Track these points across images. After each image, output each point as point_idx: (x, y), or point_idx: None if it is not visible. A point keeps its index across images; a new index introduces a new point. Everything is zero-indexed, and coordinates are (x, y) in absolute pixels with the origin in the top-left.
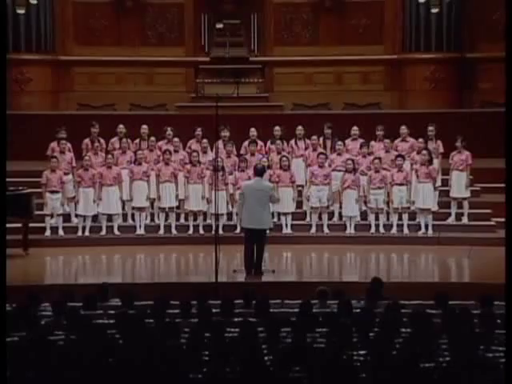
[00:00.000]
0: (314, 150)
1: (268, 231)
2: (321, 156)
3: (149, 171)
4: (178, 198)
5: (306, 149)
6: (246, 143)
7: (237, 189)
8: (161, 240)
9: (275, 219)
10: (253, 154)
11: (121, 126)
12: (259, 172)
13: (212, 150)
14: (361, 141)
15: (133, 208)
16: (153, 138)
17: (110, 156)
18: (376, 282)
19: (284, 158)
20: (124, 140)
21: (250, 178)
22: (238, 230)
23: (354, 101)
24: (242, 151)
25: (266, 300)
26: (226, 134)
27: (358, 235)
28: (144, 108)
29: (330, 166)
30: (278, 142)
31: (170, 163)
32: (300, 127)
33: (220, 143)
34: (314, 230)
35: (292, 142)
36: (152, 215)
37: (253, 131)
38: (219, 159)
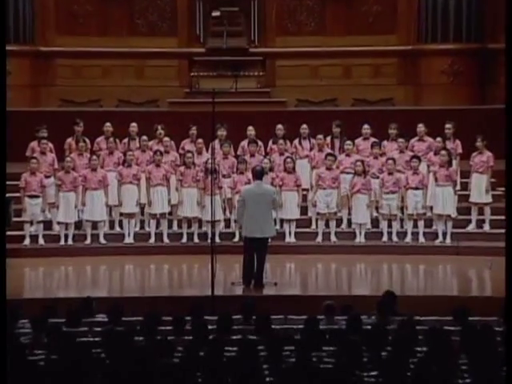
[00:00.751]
0: (320, 150)
1: (270, 240)
2: (329, 157)
3: (139, 174)
4: (170, 203)
5: (311, 149)
6: (244, 143)
7: (235, 193)
8: (151, 249)
9: (277, 226)
10: (252, 155)
11: (107, 124)
12: (258, 174)
13: (208, 150)
14: (372, 140)
15: (121, 214)
16: (145, 138)
17: (94, 157)
18: (389, 295)
19: (288, 160)
20: (111, 139)
21: (249, 182)
22: (236, 239)
23: (364, 96)
24: (240, 152)
25: (268, 315)
26: (222, 132)
27: (368, 244)
28: (133, 104)
29: (338, 167)
30: (281, 141)
31: (161, 165)
32: (304, 126)
33: (216, 143)
34: (320, 238)
35: (296, 141)
36: (142, 222)
37: (251, 130)
38: (214, 160)
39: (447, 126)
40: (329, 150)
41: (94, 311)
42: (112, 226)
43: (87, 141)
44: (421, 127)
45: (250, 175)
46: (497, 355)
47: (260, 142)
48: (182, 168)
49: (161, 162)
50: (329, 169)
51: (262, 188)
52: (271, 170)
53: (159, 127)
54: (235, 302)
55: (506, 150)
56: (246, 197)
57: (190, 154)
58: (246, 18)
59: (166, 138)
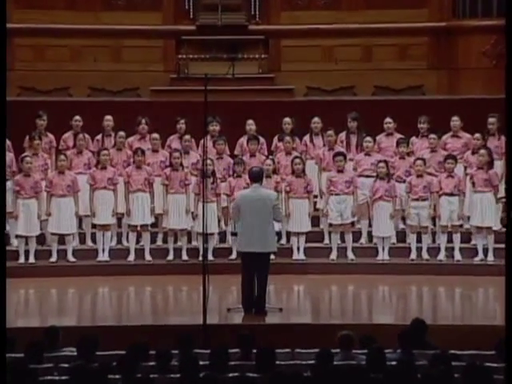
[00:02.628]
0: (331, 148)
1: (273, 256)
2: (337, 157)
3: (116, 177)
4: (153, 212)
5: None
6: (243, 140)
7: (232, 200)
8: (131, 269)
9: (283, 241)
10: (253, 155)
11: (77, 117)
12: (256, 176)
13: (198, 148)
14: (397, 137)
15: (94, 226)
16: (122, 133)
17: (62, 157)
18: (418, 324)
19: (297, 160)
20: (81, 136)
21: (249, 187)
22: (233, 256)
23: (387, 83)
24: (238, 151)
25: (271, 349)
26: (215, 127)
27: (393, 262)
28: (108, 93)
29: (355, 169)
30: (288, 138)
31: (143, 166)
32: (317, 119)
33: (209, 140)
34: (334, 254)
35: (306, 138)
36: (119, 235)
37: (251, 124)
38: (208, 161)
39: (490, 119)
40: (340, 149)
41: (60, 344)
42: (83, 241)
43: (50, 137)
44: (456, 121)
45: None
46: None
47: (262, 139)
48: (167, 170)
49: (142, 163)
50: (340, 171)
51: (259, 192)
52: (275, 172)
53: (143, 120)
54: (232, 332)
55: (506, 150)
56: (240, 204)
57: (177, 154)
58: None
59: (155, 135)
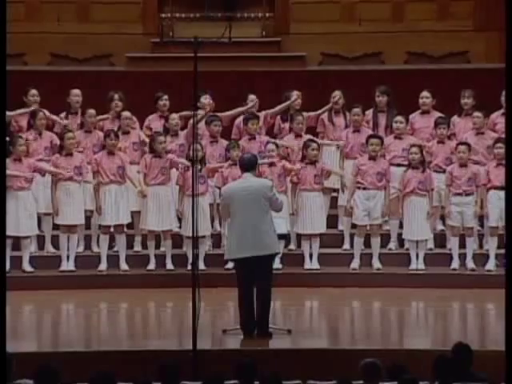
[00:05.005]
0: (357, 130)
1: (279, 264)
2: (372, 140)
3: (84, 166)
4: (130, 209)
5: (346, 127)
6: (239, 120)
7: None
8: (102, 280)
9: (292, 245)
10: (252, 137)
11: (33, 91)
12: (247, 164)
13: (184, 131)
14: (436, 115)
15: (56, 227)
16: (92, 111)
17: (21, 141)
18: (461, 350)
19: (312, 144)
20: (41, 114)
21: None
22: (230, 264)
23: (423, 49)
24: (235, 133)
25: (278, 379)
26: (207, 103)
27: (430, 272)
28: (74, 61)
29: (384, 156)
30: (300, 118)
31: (116, 153)
32: (337, 93)
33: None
34: (356, 263)
35: (324, 117)
36: (88, 239)
37: (252, 100)
38: (198, 146)
39: None
40: (369, 130)
41: (14, 374)
42: (42, 245)
43: (47, 113)
44: None
45: None
46: None
47: (262, 115)
48: (147, 157)
49: (116, 148)
50: (373, 158)
51: (251, 184)
52: (285, 158)
53: (116, 96)
54: (229, 359)
55: (506, 150)
56: (228, 198)
57: (161, 138)
58: None
59: (126, 113)
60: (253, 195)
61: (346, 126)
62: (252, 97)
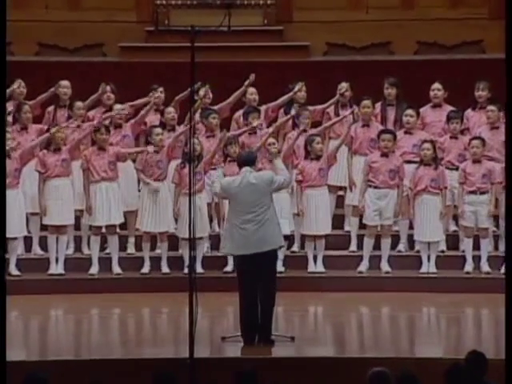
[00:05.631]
0: (366, 124)
1: (281, 267)
2: (384, 136)
3: (70, 161)
4: (123, 209)
5: (354, 122)
6: (239, 114)
7: None
8: (93, 284)
9: (296, 247)
10: (253, 131)
11: (18, 81)
12: (245, 160)
13: (181, 126)
14: (448, 109)
15: (44, 227)
16: (80, 104)
17: (9, 135)
18: (475, 359)
19: (316, 138)
20: (26, 108)
21: None
22: (229, 267)
23: (435, 38)
24: (234, 128)
25: None
26: (204, 95)
27: (442, 276)
28: (64, 51)
29: (393, 152)
30: (306, 113)
31: (107, 148)
32: (344, 85)
33: (197, 113)
34: (365, 266)
35: (330, 110)
36: (78, 240)
37: (252, 93)
38: (195, 141)
39: None
40: (378, 125)
41: None
42: (29, 247)
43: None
44: None
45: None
46: None
47: (263, 109)
48: (142, 152)
49: (106, 143)
50: (385, 155)
51: (250, 178)
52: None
53: (108, 88)
54: (228, 368)
55: (506, 150)
56: (227, 193)
57: (158, 130)
58: None
59: (120, 106)
60: (255, 189)
61: (354, 121)
62: (252, 89)
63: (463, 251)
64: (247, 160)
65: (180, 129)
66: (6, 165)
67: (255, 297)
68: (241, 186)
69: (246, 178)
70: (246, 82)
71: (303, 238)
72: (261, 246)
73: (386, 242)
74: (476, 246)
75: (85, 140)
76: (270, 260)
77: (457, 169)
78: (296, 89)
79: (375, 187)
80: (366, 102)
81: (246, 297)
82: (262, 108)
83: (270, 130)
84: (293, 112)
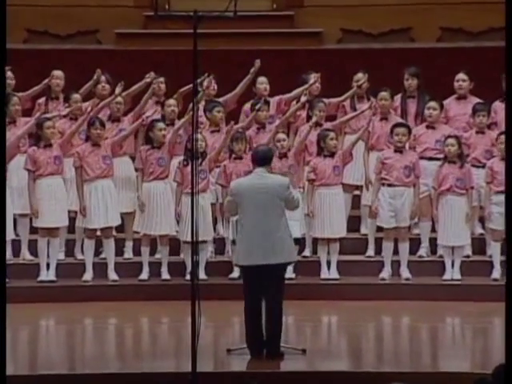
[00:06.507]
0: (384, 118)
1: (291, 273)
2: (397, 129)
3: (63, 158)
4: (120, 210)
5: (373, 115)
6: (248, 106)
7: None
8: (88, 292)
9: (307, 251)
10: (261, 126)
11: (7, 72)
12: (262, 158)
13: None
14: (474, 101)
15: (34, 230)
16: (76, 96)
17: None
18: (503, 373)
19: (329, 134)
20: (15, 100)
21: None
22: (235, 274)
23: (459, 24)
24: (242, 121)
25: None
26: (208, 86)
27: (467, 283)
28: (54, 38)
29: (414, 148)
30: (321, 105)
31: (102, 144)
32: (361, 75)
33: (200, 106)
34: (387, 272)
35: (346, 103)
36: (70, 244)
37: (262, 83)
38: (199, 136)
39: None
40: (398, 119)
41: None
42: (17, 252)
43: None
44: None
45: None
46: None
47: (274, 101)
48: (142, 149)
49: (102, 139)
50: (399, 151)
51: (265, 181)
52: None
53: (104, 78)
54: (233, 383)
55: (506, 151)
56: (238, 196)
57: (160, 125)
58: None
59: (118, 98)
60: (267, 195)
61: (374, 115)
62: (261, 79)
63: (490, 256)
64: (263, 158)
65: (180, 121)
66: (5, 165)
67: (261, 308)
68: (251, 186)
69: (261, 180)
70: (252, 70)
71: (315, 241)
72: (267, 258)
73: (403, 246)
74: (504, 251)
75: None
76: (278, 273)
77: (483, 166)
78: (312, 81)
79: (389, 185)
80: (384, 94)
81: (251, 307)
82: (273, 100)
83: (279, 122)
84: (303, 99)
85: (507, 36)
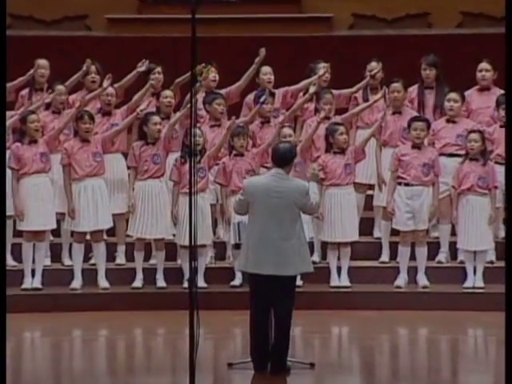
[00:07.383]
0: (397, 112)
1: (300, 281)
2: (415, 124)
3: (50, 155)
4: (111, 211)
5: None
6: (251, 97)
7: (230, 193)
8: (77, 301)
9: (316, 256)
10: (266, 120)
11: None
12: (282, 157)
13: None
14: (498, 93)
15: (18, 233)
16: (61, 88)
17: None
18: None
19: (339, 128)
20: None
21: (254, 172)
22: (237, 281)
23: (481, 9)
24: (245, 115)
25: None
26: (209, 76)
27: (490, 291)
28: (39, 23)
29: (433, 144)
30: (328, 96)
31: (91, 140)
32: (375, 64)
33: (199, 97)
34: (403, 279)
35: (358, 94)
36: (57, 249)
37: (267, 73)
38: (197, 131)
39: None
40: (413, 112)
41: None
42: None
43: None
44: None
45: (258, 159)
46: None
47: (280, 93)
48: (135, 145)
49: (91, 134)
50: (417, 147)
51: (283, 184)
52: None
53: (93, 67)
54: None
55: (506, 151)
56: (250, 196)
57: (156, 118)
58: None
59: (110, 89)
60: (281, 200)
61: (387, 106)
62: (266, 69)
63: None
64: (283, 158)
65: (176, 115)
66: (5, 164)
67: (267, 319)
68: (266, 189)
69: (275, 182)
70: (257, 59)
71: (325, 245)
72: (278, 269)
73: (421, 251)
74: None
75: (66, 130)
76: (287, 285)
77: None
78: (321, 72)
79: (406, 184)
80: (396, 86)
81: (256, 319)
82: (279, 92)
83: (285, 114)
84: (312, 90)
85: (507, 37)
